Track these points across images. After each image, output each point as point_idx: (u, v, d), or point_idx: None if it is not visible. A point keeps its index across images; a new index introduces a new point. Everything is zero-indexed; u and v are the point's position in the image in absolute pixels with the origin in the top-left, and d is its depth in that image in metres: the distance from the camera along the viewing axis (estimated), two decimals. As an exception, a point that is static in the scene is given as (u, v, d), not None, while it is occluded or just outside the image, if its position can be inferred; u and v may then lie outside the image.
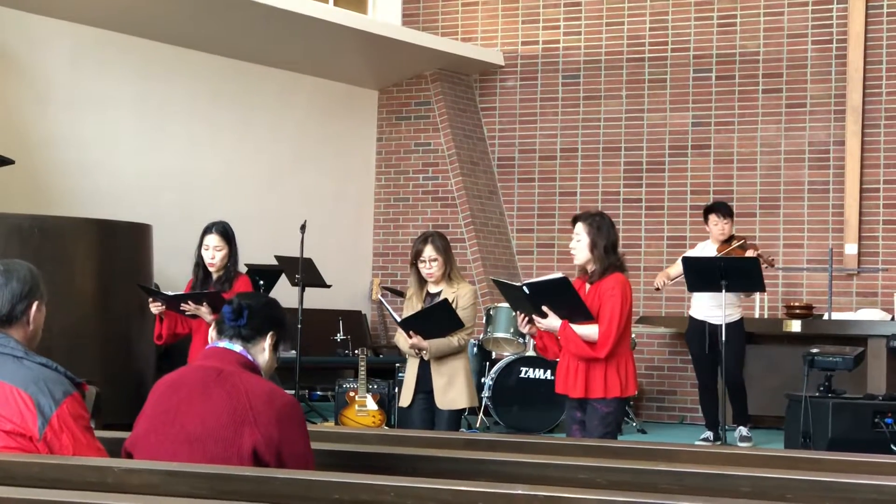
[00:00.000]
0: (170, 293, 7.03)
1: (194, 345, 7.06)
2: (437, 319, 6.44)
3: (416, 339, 6.46)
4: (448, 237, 6.84)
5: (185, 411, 3.55)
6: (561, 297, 5.92)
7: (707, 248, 9.52)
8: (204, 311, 6.86)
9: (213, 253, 7.04)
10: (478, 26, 12.76)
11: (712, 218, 9.50)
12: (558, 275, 6.02)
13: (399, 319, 6.59)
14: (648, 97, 12.04)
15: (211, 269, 7.07)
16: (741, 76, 11.72)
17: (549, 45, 12.47)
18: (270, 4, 10.70)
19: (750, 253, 9.27)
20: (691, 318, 9.58)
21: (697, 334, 9.42)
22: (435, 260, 6.52)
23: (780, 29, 11.61)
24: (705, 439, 9.47)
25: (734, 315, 9.30)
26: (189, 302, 6.88)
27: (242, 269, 7.48)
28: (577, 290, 6.00)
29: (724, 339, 9.01)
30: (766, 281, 9.25)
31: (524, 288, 6.00)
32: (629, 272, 6.27)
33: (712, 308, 9.22)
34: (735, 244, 9.34)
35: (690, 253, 9.77)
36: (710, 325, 9.26)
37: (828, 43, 11.45)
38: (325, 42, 11.66)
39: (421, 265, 6.55)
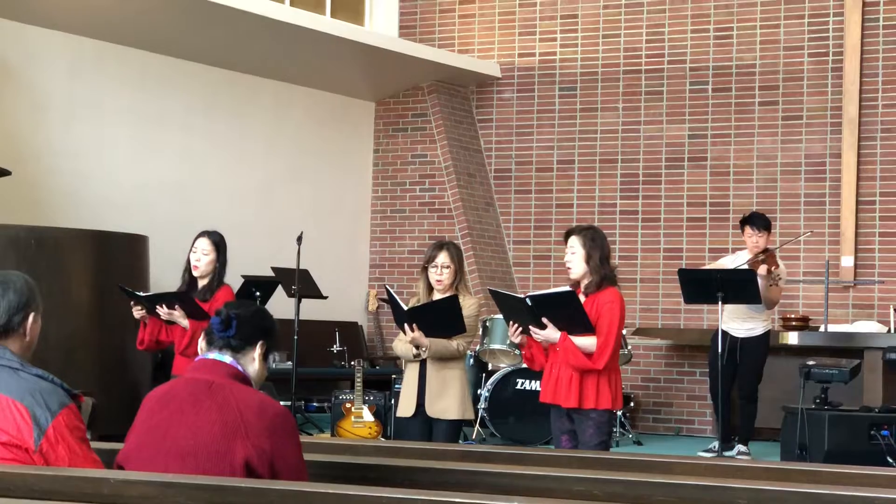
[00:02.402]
0: (142, 294, 7.08)
1: (177, 357, 7.08)
2: (442, 316, 6.34)
3: (418, 334, 6.32)
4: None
5: (177, 425, 3.52)
6: (564, 309, 5.93)
7: (740, 257, 9.46)
8: (177, 315, 6.88)
9: (200, 256, 7.09)
10: (475, 38, 12.78)
11: (747, 230, 9.38)
12: (565, 288, 6.05)
13: (406, 307, 6.50)
14: (645, 109, 12.05)
15: (195, 272, 7.09)
16: (738, 88, 11.73)
17: (546, 56, 12.48)
18: (267, 16, 10.72)
19: (761, 268, 9.17)
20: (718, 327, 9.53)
21: (716, 344, 9.36)
22: (447, 267, 6.44)
23: (776, 41, 11.63)
24: (709, 449, 9.41)
25: (757, 329, 9.29)
26: (163, 306, 6.90)
27: (239, 282, 7.49)
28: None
29: (721, 350, 9.02)
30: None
31: (527, 300, 6.00)
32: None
33: (733, 320, 9.20)
34: (760, 257, 9.26)
35: (726, 259, 9.73)
36: (731, 336, 9.25)
37: (824, 55, 11.46)
38: (321, 53, 11.67)
39: (432, 270, 6.45)
